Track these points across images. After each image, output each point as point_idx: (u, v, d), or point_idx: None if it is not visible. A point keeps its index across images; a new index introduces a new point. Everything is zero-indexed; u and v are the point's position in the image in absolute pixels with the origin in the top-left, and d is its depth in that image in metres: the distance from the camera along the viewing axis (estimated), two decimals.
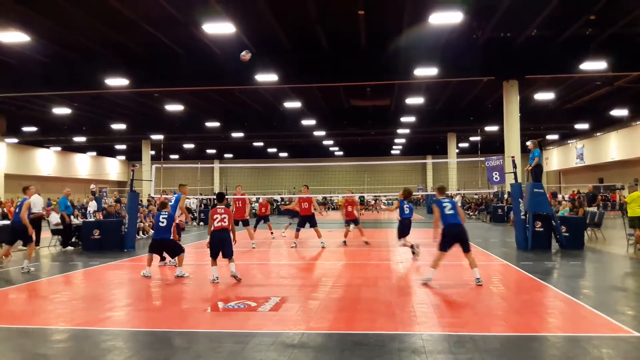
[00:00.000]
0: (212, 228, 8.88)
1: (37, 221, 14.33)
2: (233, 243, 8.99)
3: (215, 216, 8.88)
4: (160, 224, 9.60)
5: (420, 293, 7.79)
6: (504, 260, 11.31)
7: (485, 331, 5.72)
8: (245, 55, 13.11)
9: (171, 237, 9.90)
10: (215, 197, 9.69)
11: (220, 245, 8.87)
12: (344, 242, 14.74)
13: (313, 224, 14.56)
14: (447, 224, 8.45)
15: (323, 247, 13.98)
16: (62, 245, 14.66)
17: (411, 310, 6.70)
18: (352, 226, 14.99)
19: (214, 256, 8.90)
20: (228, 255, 8.88)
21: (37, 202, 14.38)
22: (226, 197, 10.43)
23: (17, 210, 10.91)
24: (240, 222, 14.54)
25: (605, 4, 15.43)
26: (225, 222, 8.87)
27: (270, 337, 5.52)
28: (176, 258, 9.85)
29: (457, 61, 19.49)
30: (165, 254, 10.29)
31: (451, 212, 8.47)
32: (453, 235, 8.42)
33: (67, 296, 8.08)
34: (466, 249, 8.40)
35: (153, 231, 10.81)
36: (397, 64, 19.72)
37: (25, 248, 11.00)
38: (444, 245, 8.44)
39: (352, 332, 5.77)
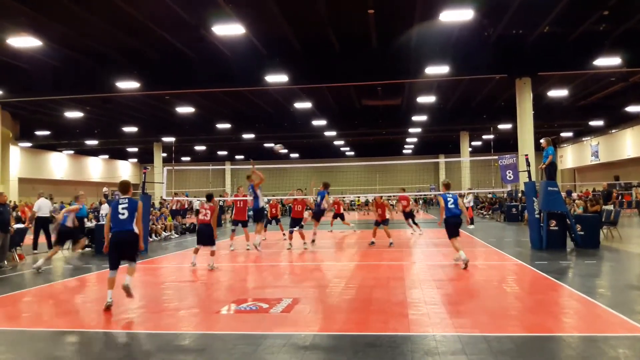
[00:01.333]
0: (197, 221, 10.76)
1: (45, 224, 14.48)
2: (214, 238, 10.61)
3: (201, 210, 10.74)
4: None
5: (433, 294, 7.71)
6: (519, 260, 11.18)
7: (500, 332, 5.64)
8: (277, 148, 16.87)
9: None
10: (205, 197, 11.34)
11: (202, 236, 10.65)
12: (372, 242, 14.73)
13: (300, 226, 14.48)
14: (449, 215, 10.26)
15: (305, 249, 13.92)
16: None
17: (424, 311, 6.63)
18: (381, 226, 14.96)
19: (199, 244, 10.69)
20: (209, 244, 10.53)
21: (43, 206, 14.54)
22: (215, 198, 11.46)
23: (65, 215, 11.80)
24: (240, 223, 14.54)
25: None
26: (207, 217, 10.54)
27: (282, 339, 5.49)
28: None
29: (468, 59, 19.36)
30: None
31: (453, 205, 10.28)
32: (455, 224, 10.33)
33: (80, 299, 8.12)
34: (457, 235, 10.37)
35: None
36: (408, 62, 19.65)
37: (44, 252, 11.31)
38: (450, 234, 10.31)
39: (365, 333, 5.72)
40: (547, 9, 16.19)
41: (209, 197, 11.15)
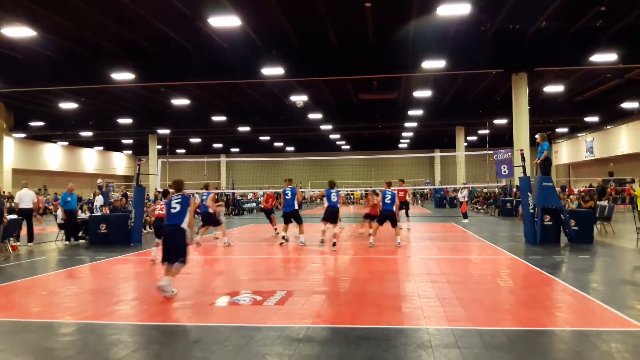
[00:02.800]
0: (153, 216, 10.70)
1: (28, 216, 14.23)
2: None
3: (157, 206, 10.48)
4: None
5: (427, 287, 7.73)
6: (512, 254, 11.22)
7: (493, 325, 5.66)
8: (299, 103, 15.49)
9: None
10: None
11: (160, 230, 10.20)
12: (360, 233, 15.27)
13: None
14: (383, 209, 12.51)
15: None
16: (66, 240, 14.58)
17: (417, 304, 6.65)
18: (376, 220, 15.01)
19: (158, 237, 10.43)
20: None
21: (25, 197, 14.29)
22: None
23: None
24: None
25: None
26: (163, 212, 9.94)
27: (275, 331, 5.50)
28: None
29: (465, 54, 19.32)
30: None
31: (389, 201, 12.41)
32: (386, 216, 12.51)
33: (74, 290, 8.09)
34: (394, 225, 12.81)
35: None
36: (404, 56, 19.60)
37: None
38: (380, 222, 12.76)
39: (358, 326, 5.72)
40: (544, 5, 16.16)
41: (165, 193, 10.84)
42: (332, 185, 13.28)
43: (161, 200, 10.88)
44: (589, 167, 44.17)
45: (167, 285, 6.99)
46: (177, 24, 17.58)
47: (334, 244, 12.33)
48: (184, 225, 7.23)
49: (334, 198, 13.00)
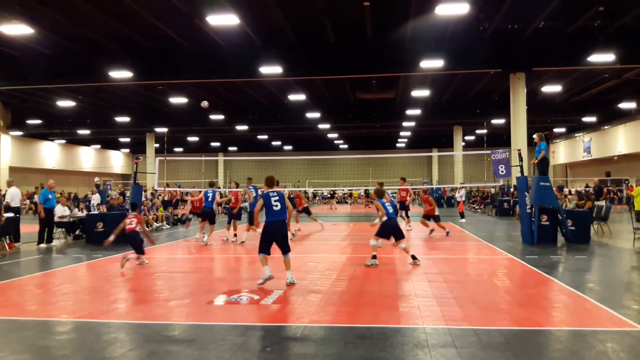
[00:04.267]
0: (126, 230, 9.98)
1: (16, 214, 14.09)
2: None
3: (127, 221, 10.00)
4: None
5: (424, 286, 7.74)
6: (509, 254, 11.23)
7: (489, 325, 5.66)
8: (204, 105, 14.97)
9: None
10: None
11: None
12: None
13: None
14: (388, 218, 9.70)
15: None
16: (38, 241, 13.71)
17: (414, 303, 6.65)
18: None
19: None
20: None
21: (15, 195, 14.20)
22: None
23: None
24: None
25: None
26: (132, 225, 9.94)
27: (273, 330, 5.50)
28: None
29: (463, 53, 19.34)
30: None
31: (390, 209, 9.77)
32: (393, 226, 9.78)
33: (70, 288, 8.08)
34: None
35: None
36: (403, 56, 19.61)
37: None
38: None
39: (355, 325, 5.72)
40: (542, 5, 16.18)
41: (134, 207, 10.72)
42: (381, 194, 10.36)
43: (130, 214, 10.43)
44: (587, 167, 44.24)
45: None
46: (176, 22, 17.57)
47: (413, 257, 9.83)
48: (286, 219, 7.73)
49: (390, 208, 10.07)
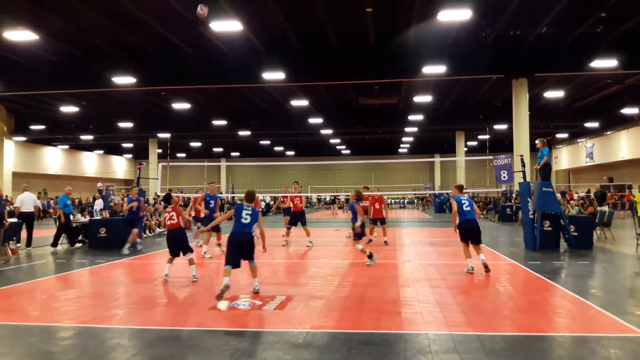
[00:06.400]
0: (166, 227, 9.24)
1: (29, 220, 14.24)
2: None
3: (165, 215, 9.21)
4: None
5: (426, 292, 7.73)
6: (512, 259, 11.22)
7: (492, 331, 5.66)
8: (202, 10, 11.74)
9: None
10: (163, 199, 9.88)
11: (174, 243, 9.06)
12: (370, 240, 14.54)
13: (303, 222, 14.68)
14: (463, 220, 9.40)
15: (309, 246, 14.01)
16: (52, 245, 14.16)
17: (417, 309, 6.65)
18: (378, 224, 14.91)
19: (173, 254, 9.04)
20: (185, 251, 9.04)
21: (27, 200, 14.30)
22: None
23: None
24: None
25: (617, 1, 15.27)
26: (174, 220, 9.05)
27: (275, 336, 5.50)
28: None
29: (465, 59, 19.35)
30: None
31: (468, 209, 9.40)
32: (468, 229, 9.42)
33: (73, 294, 8.10)
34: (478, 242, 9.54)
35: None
36: (405, 61, 19.62)
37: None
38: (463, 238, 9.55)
39: (358, 331, 5.73)
40: (544, 10, 16.20)
41: (168, 199, 9.51)
42: (461, 188, 9.89)
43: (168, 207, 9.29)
44: (589, 172, 44.17)
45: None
46: (179, 27, 17.62)
47: (486, 267, 9.23)
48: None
49: (466, 206, 9.50)
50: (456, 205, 9.45)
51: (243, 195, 8.23)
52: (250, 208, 7.63)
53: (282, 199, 17.30)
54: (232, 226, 7.62)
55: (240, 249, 7.50)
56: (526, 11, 16.19)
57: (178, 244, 8.93)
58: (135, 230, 13.50)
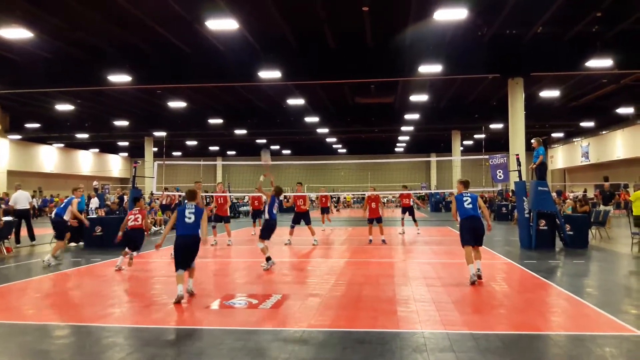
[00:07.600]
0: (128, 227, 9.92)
1: (25, 217, 14.40)
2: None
3: (130, 216, 9.87)
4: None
5: (422, 291, 7.74)
6: (508, 258, 11.25)
7: (488, 330, 5.67)
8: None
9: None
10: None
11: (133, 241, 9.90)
12: (370, 240, 14.63)
13: (307, 222, 14.81)
14: (464, 217, 8.53)
15: (315, 245, 14.11)
16: (75, 242, 14.58)
17: (413, 308, 6.66)
18: (374, 223, 14.97)
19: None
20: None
21: (21, 198, 14.44)
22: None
23: (62, 205, 11.75)
24: (223, 220, 14.87)
25: (612, 1, 15.31)
26: (138, 222, 9.88)
27: (271, 334, 5.50)
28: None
29: (462, 58, 19.38)
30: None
31: (470, 206, 8.54)
32: (471, 228, 8.48)
33: (69, 293, 8.07)
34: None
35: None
36: (402, 60, 19.64)
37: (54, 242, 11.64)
38: (465, 241, 8.49)
39: (354, 329, 5.73)
40: (540, 10, 16.23)
41: (136, 201, 10.53)
42: (466, 184, 9.11)
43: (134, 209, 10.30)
44: (585, 171, 44.32)
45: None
46: (175, 26, 17.57)
47: (479, 277, 8.40)
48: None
49: (468, 203, 8.68)
50: (455, 204, 8.67)
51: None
52: (193, 207, 7.43)
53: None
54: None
55: (187, 251, 7.34)
56: (522, 11, 16.23)
57: (135, 243, 9.93)
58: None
